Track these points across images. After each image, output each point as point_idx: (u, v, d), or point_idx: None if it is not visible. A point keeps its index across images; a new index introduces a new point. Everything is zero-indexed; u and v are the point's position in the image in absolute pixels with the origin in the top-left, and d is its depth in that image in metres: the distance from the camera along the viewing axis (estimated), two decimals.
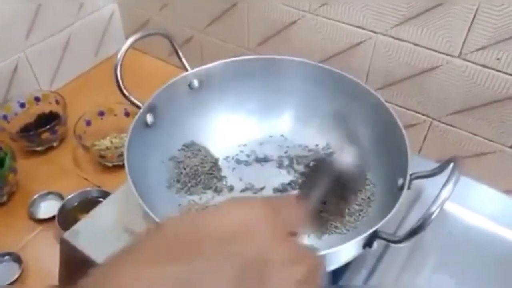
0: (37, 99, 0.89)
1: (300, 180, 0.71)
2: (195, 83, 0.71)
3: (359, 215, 0.64)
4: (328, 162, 0.59)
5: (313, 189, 0.47)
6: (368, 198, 0.65)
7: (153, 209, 0.51)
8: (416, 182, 0.57)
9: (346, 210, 0.65)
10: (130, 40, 0.62)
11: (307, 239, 0.62)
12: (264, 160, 0.74)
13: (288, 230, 0.29)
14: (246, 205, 0.29)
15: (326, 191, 0.52)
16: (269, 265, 0.26)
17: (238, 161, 0.74)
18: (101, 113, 0.86)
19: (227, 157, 0.74)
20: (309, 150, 0.74)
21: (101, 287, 0.24)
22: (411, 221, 0.47)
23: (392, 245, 0.50)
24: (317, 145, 0.75)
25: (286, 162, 0.73)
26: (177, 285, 0.24)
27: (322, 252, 0.48)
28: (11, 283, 0.69)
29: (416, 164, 0.57)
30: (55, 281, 0.65)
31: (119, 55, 0.61)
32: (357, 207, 0.65)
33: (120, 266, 0.25)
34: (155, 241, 0.26)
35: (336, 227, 0.63)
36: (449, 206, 0.67)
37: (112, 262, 0.26)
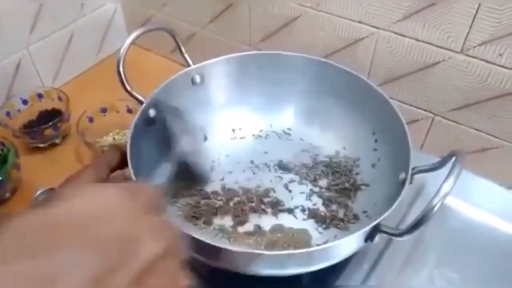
0: (39, 95, 0.89)
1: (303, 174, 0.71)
2: (198, 78, 0.71)
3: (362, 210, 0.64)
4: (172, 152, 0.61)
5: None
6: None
7: None
8: (418, 177, 0.57)
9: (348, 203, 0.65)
10: (133, 35, 0.63)
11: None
12: (266, 155, 0.74)
13: (146, 210, 0.29)
14: (101, 189, 0.28)
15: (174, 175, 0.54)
16: (136, 239, 0.26)
17: (240, 157, 0.74)
18: (104, 110, 0.86)
19: (228, 153, 0.74)
20: (313, 146, 0.75)
21: None
22: (413, 216, 0.47)
23: (393, 238, 0.50)
24: (319, 141, 0.75)
25: (288, 158, 0.73)
26: (32, 284, 0.21)
27: (324, 246, 0.48)
28: None
29: (418, 159, 0.57)
30: None
31: (122, 50, 0.61)
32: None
33: None
34: (2, 239, 0.23)
35: (339, 221, 0.63)
36: (451, 201, 0.68)
37: None
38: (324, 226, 0.64)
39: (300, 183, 0.70)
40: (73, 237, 0.24)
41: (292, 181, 0.70)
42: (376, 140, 0.69)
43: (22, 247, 0.23)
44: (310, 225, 0.64)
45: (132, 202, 0.28)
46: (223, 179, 0.70)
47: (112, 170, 0.56)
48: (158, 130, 0.66)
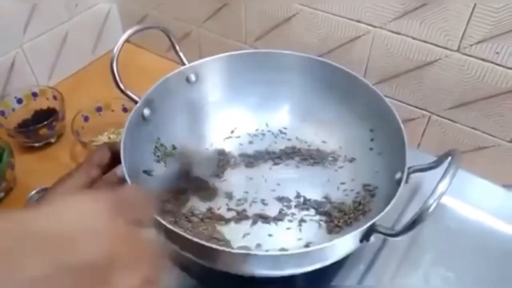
0: (34, 94, 0.88)
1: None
2: (193, 77, 0.71)
3: (358, 210, 0.64)
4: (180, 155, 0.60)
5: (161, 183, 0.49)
6: (368, 192, 0.65)
7: None
8: (414, 177, 0.57)
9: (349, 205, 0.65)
10: (127, 33, 0.62)
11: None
12: (263, 153, 0.74)
13: (132, 220, 0.28)
14: (85, 201, 0.26)
15: (174, 181, 0.54)
16: (111, 268, 0.24)
17: (236, 155, 0.74)
18: (99, 109, 0.86)
19: (224, 151, 0.74)
20: (308, 145, 0.74)
21: None
22: (409, 215, 0.46)
23: (389, 238, 0.50)
24: (315, 139, 0.75)
25: (284, 156, 0.73)
26: None
27: (319, 246, 0.48)
28: None
29: (415, 158, 0.57)
30: None
31: (116, 48, 0.61)
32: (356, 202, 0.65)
33: None
34: None
35: (338, 221, 0.63)
36: (448, 200, 0.67)
37: None
38: (319, 224, 0.64)
39: (297, 181, 0.69)
40: (47, 257, 0.22)
41: (288, 179, 0.70)
42: (372, 139, 0.69)
43: None
44: (305, 223, 0.64)
45: (116, 218, 0.26)
46: (217, 177, 0.70)
47: (104, 169, 0.56)
48: (152, 128, 0.66)
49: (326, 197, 0.67)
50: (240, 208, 0.65)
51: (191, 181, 0.63)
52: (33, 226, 0.23)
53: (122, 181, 0.54)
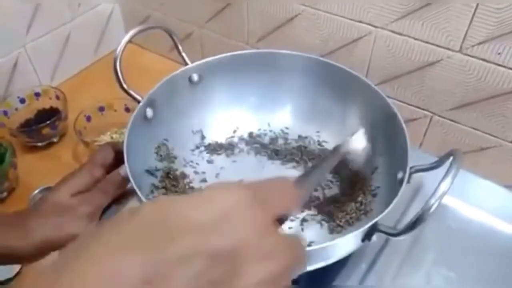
0: (37, 94, 0.89)
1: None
2: (195, 77, 0.71)
3: (360, 210, 0.64)
4: (335, 148, 0.60)
5: (311, 174, 0.47)
6: (370, 192, 0.65)
7: None
8: (416, 177, 0.57)
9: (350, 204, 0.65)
10: (130, 33, 0.62)
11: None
12: (263, 153, 0.74)
13: (273, 217, 0.28)
14: (229, 192, 0.27)
15: (325, 177, 0.52)
16: (242, 260, 0.25)
17: (237, 154, 0.74)
18: (101, 109, 0.86)
19: (226, 150, 0.74)
20: (310, 144, 0.75)
21: (60, 270, 0.23)
22: (411, 215, 0.46)
23: (391, 238, 0.50)
24: (316, 138, 0.75)
25: (285, 156, 0.73)
26: (139, 277, 0.22)
27: (321, 245, 0.48)
28: (11, 278, 0.69)
29: (416, 158, 0.57)
30: None
31: (119, 48, 0.61)
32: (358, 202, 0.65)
33: (82, 251, 0.23)
34: (124, 227, 0.24)
35: (340, 221, 0.63)
36: (449, 200, 0.67)
37: (75, 245, 0.24)
38: (321, 224, 0.64)
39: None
40: (188, 239, 0.24)
41: (290, 179, 0.70)
42: (374, 139, 0.69)
43: (140, 239, 0.23)
44: (307, 223, 0.64)
45: (258, 210, 0.27)
46: (218, 175, 0.70)
47: (107, 169, 0.56)
48: (154, 128, 0.66)
49: (327, 197, 0.67)
50: None
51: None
52: (176, 212, 0.25)
53: (125, 180, 0.55)
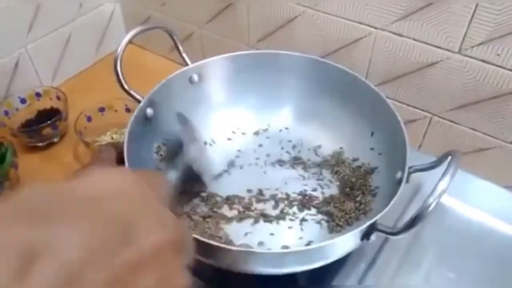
0: (38, 94, 0.89)
1: None
2: (195, 77, 0.71)
3: (359, 209, 0.64)
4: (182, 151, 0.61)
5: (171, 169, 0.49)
6: (369, 192, 0.66)
7: None
8: (416, 177, 0.57)
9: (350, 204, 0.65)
10: (131, 33, 0.63)
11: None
12: (265, 153, 0.74)
13: (157, 199, 0.28)
14: (116, 171, 0.28)
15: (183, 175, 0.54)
16: (136, 225, 0.25)
17: (238, 156, 0.74)
18: (102, 109, 0.86)
19: (226, 152, 0.74)
20: (310, 145, 0.75)
21: None
22: (410, 215, 0.47)
23: (390, 238, 0.50)
24: (316, 139, 0.75)
25: (285, 156, 0.73)
26: (25, 248, 0.21)
27: (320, 244, 0.48)
28: None
29: (416, 159, 0.57)
30: None
31: (119, 49, 0.61)
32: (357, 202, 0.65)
33: None
34: (7, 205, 0.23)
35: (339, 221, 0.63)
36: (449, 201, 0.68)
37: None
38: (321, 224, 0.64)
39: (298, 181, 0.70)
40: (77, 210, 0.24)
41: (290, 179, 0.70)
42: (373, 140, 0.69)
43: (25, 215, 0.23)
44: (307, 222, 0.64)
45: (145, 189, 0.28)
46: (219, 176, 0.70)
47: None
48: (155, 128, 0.67)
49: (327, 197, 0.67)
50: (242, 207, 0.66)
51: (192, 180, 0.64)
52: (67, 190, 0.25)
53: None
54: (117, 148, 0.57)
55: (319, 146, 0.74)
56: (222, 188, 0.69)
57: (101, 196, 0.25)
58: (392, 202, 0.50)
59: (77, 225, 0.23)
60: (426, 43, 0.69)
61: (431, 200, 0.44)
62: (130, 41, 0.63)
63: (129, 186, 0.27)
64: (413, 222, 0.45)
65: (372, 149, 0.69)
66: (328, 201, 0.66)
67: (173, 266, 0.26)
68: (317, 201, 0.67)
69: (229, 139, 0.76)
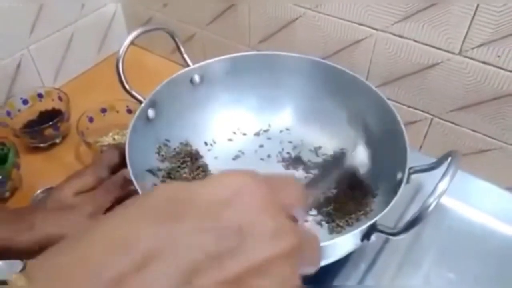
0: (40, 95, 0.89)
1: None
2: (197, 78, 0.72)
3: (359, 210, 0.64)
4: (341, 158, 0.61)
5: (320, 180, 0.48)
6: (369, 193, 0.66)
7: None
8: (416, 178, 0.58)
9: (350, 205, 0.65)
10: (132, 35, 0.63)
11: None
12: (266, 154, 0.74)
13: (280, 208, 0.28)
14: (241, 174, 0.27)
15: (333, 185, 0.54)
16: (250, 237, 0.25)
17: (238, 157, 0.74)
18: (104, 110, 0.87)
19: (227, 153, 0.74)
20: (311, 146, 0.75)
21: (72, 241, 0.24)
22: (410, 216, 0.47)
23: (391, 239, 0.50)
24: (317, 141, 0.75)
25: (286, 157, 0.73)
26: (152, 243, 0.23)
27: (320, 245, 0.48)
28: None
29: (416, 160, 0.57)
30: None
31: (121, 50, 0.61)
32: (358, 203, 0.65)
33: (97, 225, 0.24)
34: (139, 203, 0.25)
35: (339, 221, 0.64)
36: (449, 202, 0.68)
37: (97, 220, 0.26)
38: (321, 225, 0.64)
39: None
40: (200, 212, 0.24)
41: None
42: (374, 141, 0.69)
43: (155, 213, 0.24)
44: (307, 223, 0.64)
45: (269, 193, 0.27)
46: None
47: (112, 170, 0.57)
48: (157, 129, 0.67)
49: (327, 197, 0.67)
50: None
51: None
52: (188, 191, 0.26)
53: (128, 181, 0.55)
54: (119, 149, 0.57)
55: (320, 147, 0.74)
56: None
57: (225, 201, 0.25)
58: (392, 203, 0.50)
59: (199, 228, 0.24)
60: (426, 45, 0.69)
61: (431, 200, 0.44)
62: (131, 42, 0.63)
63: (254, 194, 0.26)
64: (413, 222, 0.45)
65: (373, 150, 0.69)
66: (328, 201, 0.66)
67: (283, 277, 0.26)
68: (317, 202, 0.67)
69: (230, 139, 0.76)
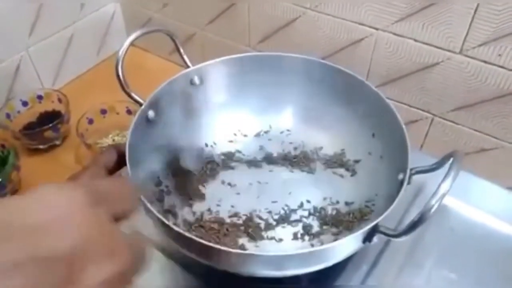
0: (39, 97, 0.89)
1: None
2: (196, 79, 0.71)
3: (362, 212, 0.64)
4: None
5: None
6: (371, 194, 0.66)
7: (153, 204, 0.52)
8: (417, 179, 0.57)
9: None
10: (132, 37, 0.62)
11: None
12: (266, 156, 0.74)
13: (111, 216, 0.27)
14: (63, 191, 0.25)
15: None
16: (80, 262, 0.23)
17: (239, 158, 0.74)
18: (103, 111, 0.87)
19: (227, 153, 0.74)
20: (311, 147, 0.75)
21: None
22: (412, 216, 0.47)
23: (392, 239, 0.50)
24: (318, 141, 0.75)
25: (287, 158, 0.73)
26: None
27: (322, 247, 0.48)
28: None
29: (418, 160, 0.57)
30: None
31: (121, 51, 0.61)
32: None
33: None
34: None
35: (340, 223, 0.63)
36: (451, 202, 0.68)
37: None
38: (323, 226, 0.64)
39: (300, 182, 0.70)
40: (20, 240, 0.22)
41: (291, 180, 0.70)
42: (375, 141, 0.69)
43: None
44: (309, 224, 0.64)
45: (95, 209, 0.26)
46: (223, 181, 0.70)
47: (110, 171, 0.57)
48: (157, 130, 0.67)
49: (329, 198, 0.67)
50: (243, 209, 0.66)
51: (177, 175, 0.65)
52: (6, 215, 0.23)
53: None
54: (116, 148, 0.57)
55: (321, 148, 0.74)
56: (222, 189, 0.69)
57: (46, 225, 0.23)
58: (394, 204, 0.50)
59: (19, 266, 0.21)
60: (427, 44, 0.69)
61: (433, 202, 0.44)
62: (131, 44, 0.63)
63: (77, 213, 0.25)
64: (415, 224, 0.45)
65: (373, 150, 0.69)
66: (329, 203, 0.66)
67: None
68: (319, 203, 0.66)
69: (230, 141, 0.76)
